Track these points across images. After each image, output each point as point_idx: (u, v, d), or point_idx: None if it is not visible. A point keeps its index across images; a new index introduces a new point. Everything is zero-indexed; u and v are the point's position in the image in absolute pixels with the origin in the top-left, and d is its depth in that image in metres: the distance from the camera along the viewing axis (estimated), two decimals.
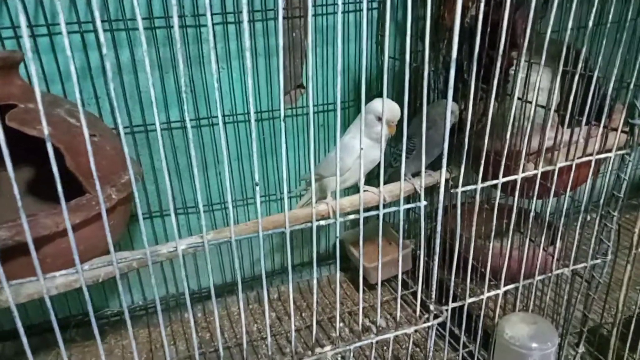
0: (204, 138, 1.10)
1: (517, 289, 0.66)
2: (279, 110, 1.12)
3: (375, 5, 1.13)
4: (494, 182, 0.57)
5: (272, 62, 1.09)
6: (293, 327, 0.54)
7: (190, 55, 1.02)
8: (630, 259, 0.71)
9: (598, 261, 0.69)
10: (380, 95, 1.18)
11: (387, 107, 0.77)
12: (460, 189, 0.55)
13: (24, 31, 0.39)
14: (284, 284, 1.33)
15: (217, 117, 1.09)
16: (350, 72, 1.17)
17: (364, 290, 1.26)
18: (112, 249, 0.46)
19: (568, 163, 0.62)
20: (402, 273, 1.26)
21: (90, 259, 0.74)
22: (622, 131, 0.63)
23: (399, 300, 0.59)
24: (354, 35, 1.13)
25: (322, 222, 0.52)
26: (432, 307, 0.58)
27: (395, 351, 1.07)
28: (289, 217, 0.66)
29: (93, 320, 0.47)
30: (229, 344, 1.12)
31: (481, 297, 0.64)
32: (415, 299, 1.20)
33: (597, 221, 0.67)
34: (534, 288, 0.67)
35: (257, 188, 0.47)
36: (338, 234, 0.55)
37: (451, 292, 0.62)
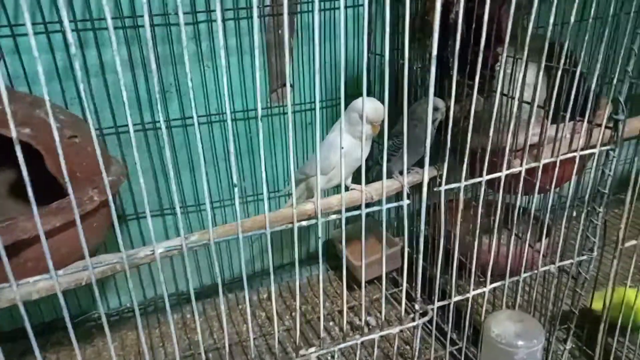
0: (190, 138, 1.09)
1: (503, 286, 0.65)
2: (266, 108, 1.13)
3: (361, 1, 1.12)
4: (478, 179, 0.57)
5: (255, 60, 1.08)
6: (276, 329, 0.53)
7: (175, 54, 1.01)
8: (616, 254, 0.71)
9: (584, 257, 0.69)
10: (369, 93, 1.18)
11: (371, 107, 0.76)
12: (443, 187, 0.54)
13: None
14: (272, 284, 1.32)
15: (203, 116, 1.09)
16: (337, 70, 1.16)
17: (353, 289, 1.25)
18: (86, 253, 0.45)
19: (553, 159, 0.62)
20: (393, 271, 1.27)
21: (74, 261, 0.73)
22: (606, 127, 0.62)
23: (383, 300, 0.58)
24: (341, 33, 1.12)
25: (304, 223, 0.51)
26: (417, 307, 0.58)
27: (386, 349, 1.07)
28: (274, 218, 0.65)
29: (69, 324, 0.46)
30: (217, 345, 1.12)
31: (467, 295, 0.64)
32: (407, 297, 1.21)
33: (582, 217, 0.67)
34: (519, 285, 0.67)
35: (236, 189, 0.47)
36: (320, 234, 0.54)
37: (437, 290, 0.61)
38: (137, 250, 0.58)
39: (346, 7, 1.11)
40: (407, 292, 0.60)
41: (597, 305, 0.80)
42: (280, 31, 1.08)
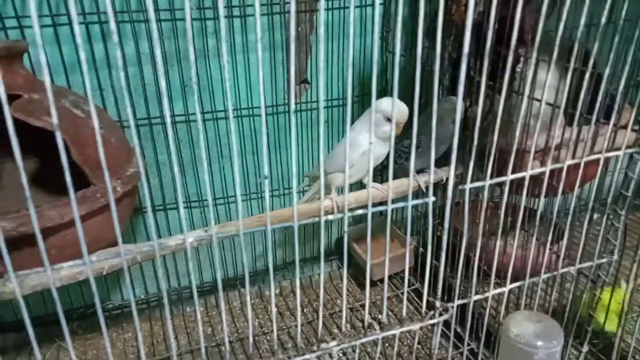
0: (207, 132, 1.10)
1: (521, 287, 0.66)
2: (283, 105, 1.14)
3: (381, 0, 1.12)
4: (503, 178, 0.57)
5: (277, 56, 1.08)
6: (299, 321, 0.54)
7: (195, 49, 1.02)
8: (636, 259, 0.70)
9: (604, 260, 0.69)
10: (385, 92, 1.19)
11: (395, 108, 0.76)
12: (468, 185, 0.54)
13: (35, 20, 0.38)
14: (285, 279, 1.32)
15: (222, 111, 1.09)
16: (355, 68, 1.16)
17: (363, 287, 1.25)
18: (120, 240, 0.45)
19: (576, 161, 0.62)
20: (400, 272, 1.27)
21: (94, 251, 0.74)
22: (632, 129, 0.62)
23: (405, 296, 0.58)
24: (359, 31, 1.13)
25: (330, 217, 0.51)
26: (438, 304, 0.58)
27: (399, 349, 1.07)
28: (296, 212, 0.65)
29: (99, 310, 0.47)
30: (230, 339, 1.12)
31: (487, 294, 0.64)
32: (417, 296, 1.21)
33: (604, 220, 0.67)
34: (538, 287, 0.67)
35: (267, 181, 0.47)
36: (346, 229, 0.55)
37: (457, 289, 0.62)
38: (168, 239, 0.58)
39: (361, 6, 1.11)
40: (426, 290, 0.61)
41: (610, 326, 0.79)
42: (299, 28, 1.09)
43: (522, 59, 0.87)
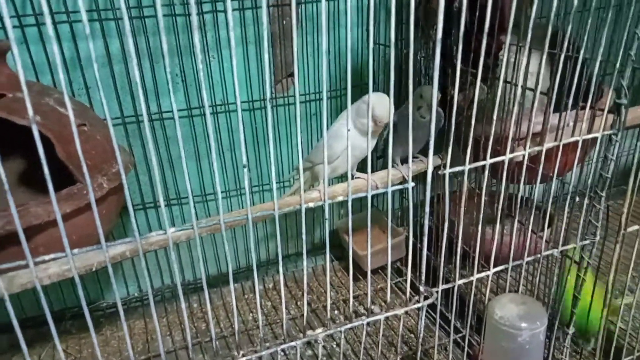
0: (196, 128, 1.10)
1: (507, 271, 0.66)
2: (271, 99, 1.14)
3: None
4: (482, 163, 0.57)
5: (263, 50, 1.09)
6: (284, 309, 0.54)
7: (180, 45, 1.02)
8: (619, 239, 0.71)
9: (587, 242, 0.70)
10: (372, 84, 1.19)
11: (381, 106, 0.76)
12: (447, 170, 0.55)
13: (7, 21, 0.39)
14: (278, 274, 1.33)
15: (210, 106, 1.10)
16: (342, 60, 1.16)
17: (358, 279, 1.27)
18: (100, 231, 0.46)
19: (555, 144, 0.63)
20: (397, 260, 1.28)
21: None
22: (609, 112, 0.63)
23: (389, 282, 0.59)
24: (345, 23, 1.13)
25: (311, 204, 0.52)
26: (422, 289, 0.59)
27: (390, 337, 1.08)
28: (281, 204, 0.66)
29: (85, 308, 0.47)
30: (224, 333, 1.13)
31: (471, 278, 0.65)
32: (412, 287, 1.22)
33: (585, 202, 0.67)
34: (522, 270, 0.68)
35: (245, 170, 0.48)
36: (327, 216, 0.55)
37: (441, 274, 0.62)
38: (151, 234, 0.59)
39: None
40: (411, 277, 0.61)
41: (596, 307, 0.80)
42: (284, 21, 1.09)
43: (504, 45, 0.88)
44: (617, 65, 0.59)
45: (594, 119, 0.67)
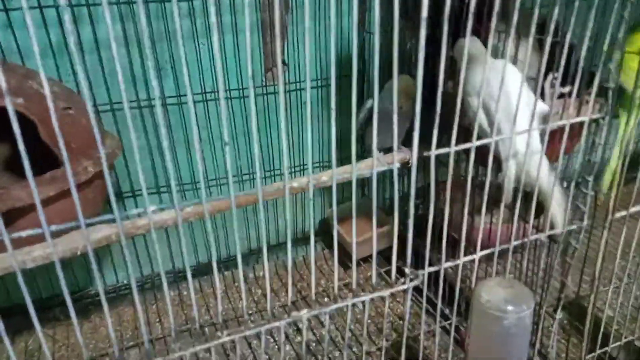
0: (186, 115, 1.09)
1: (493, 256, 0.66)
2: (261, 87, 1.13)
3: None
4: (467, 145, 0.57)
5: (254, 38, 1.08)
6: (268, 288, 0.54)
7: (169, 31, 1.01)
8: (606, 224, 0.71)
9: (574, 227, 0.70)
10: (363, 74, 1.18)
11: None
12: (433, 152, 0.55)
13: None
14: (268, 261, 1.33)
15: (198, 94, 1.09)
16: (338, 48, 1.16)
17: (349, 267, 1.26)
18: (79, 211, 0.45)
19: (542, 127, 0.62)
20: (387, 248, 1.27)
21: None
22: (597, 96, 0.63)
23: (374, 265, 0.59)
24: (336, 11, 1.12)
25: (295, 184, 0.52)
26: (407, 271, 0.59)
27: (380, 324, 1.08)
28: (269, 189, 0.66)
29: (67, 295, 0.47)
30: (213, 320, 1.13)
31: (457, 262, 0.65)
32: (399, 272, 1.22)
33: (572, 186, 0.67)
34: (509, 253, 0.67)
35: (227, 148, 0.47)
36: (311, 196, 0.55)
37: (427, 257, 0.62)
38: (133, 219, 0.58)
39: None
40: (399, 262, 0.61)
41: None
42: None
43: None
44: (605, 47, 0.59)
45: (581, 103, 0.67)
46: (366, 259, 1.27)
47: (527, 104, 0.67)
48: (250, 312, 1.16)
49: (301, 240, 1.34)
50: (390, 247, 1.24)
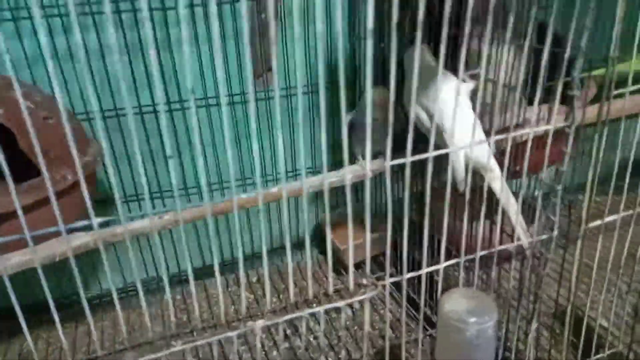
0: (176, 122, 1.11)
1: (457, 265, 0.66)
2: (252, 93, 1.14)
3: None
4: (425, 155, 0.57)
5: (242, 45, 1.09)
6: (221, 299, 0.55)
7: (158, 39, 1.03)
8: (579, 234, 0.70)
9: (544, 237, 0.69)
10: (354, 82, 1.18)
11: None
12: (388, 162, 0.55)
13: None
14: (262, 267, 1.34)
15: (187, 100, 1.11)
16: (327, 54, 1.16)
17: (340, 273, 1.27)
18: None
19: (503, 136, 0.62)
20: (379, 255, 1.27)
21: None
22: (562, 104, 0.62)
23: (330, 270, 0.59)
24: (324, 17, 1.13)
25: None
26: (365, 281, 0.59)
27: (359, 334, 1.08)
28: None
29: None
30: (203, 325, 1.14)
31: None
32: (395, 285, 1.22)
33: (539, 196, 0.66)
34: (476, 263, 0.67)
35: (171, 161, 0.48)
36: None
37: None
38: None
39: None
40: (368, 265, 0.61)
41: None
42: (263, 15, 1.09)
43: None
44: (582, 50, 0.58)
45: (551, 112, 0.66)
46: (358, 265, 1.27)
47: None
48: (240, 317, 1.17)
49: (295, 246, 1.35)
50: (383, 253, 1.24)
